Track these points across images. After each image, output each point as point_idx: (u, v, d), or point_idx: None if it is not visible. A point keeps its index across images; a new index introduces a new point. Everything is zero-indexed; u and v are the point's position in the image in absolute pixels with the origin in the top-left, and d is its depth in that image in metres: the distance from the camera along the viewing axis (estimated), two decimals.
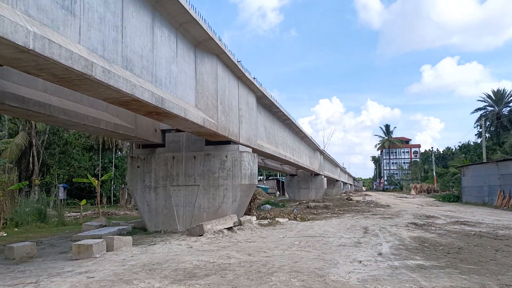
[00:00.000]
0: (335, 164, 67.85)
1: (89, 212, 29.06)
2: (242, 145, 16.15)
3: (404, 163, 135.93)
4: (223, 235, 13.05)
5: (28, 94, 9.65)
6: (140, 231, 15.91)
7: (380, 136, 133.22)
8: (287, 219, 17.79)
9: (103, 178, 27.45)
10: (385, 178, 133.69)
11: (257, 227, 15.07)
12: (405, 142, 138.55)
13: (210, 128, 13.12)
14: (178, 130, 15.98)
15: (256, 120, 19.24)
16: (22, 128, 39.70)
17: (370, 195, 63.39)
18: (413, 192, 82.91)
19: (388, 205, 33.53)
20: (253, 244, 11.55)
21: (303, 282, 6.77)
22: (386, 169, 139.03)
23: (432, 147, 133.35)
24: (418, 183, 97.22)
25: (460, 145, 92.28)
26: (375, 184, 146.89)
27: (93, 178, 27.02)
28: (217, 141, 15.51)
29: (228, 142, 15.56)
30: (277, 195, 67.06)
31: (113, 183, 47.46)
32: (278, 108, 22.76)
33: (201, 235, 13.04)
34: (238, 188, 15.29)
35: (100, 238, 13.94)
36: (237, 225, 14.35)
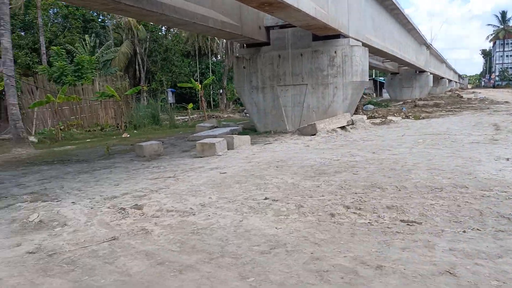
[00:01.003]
0: (441, 60, 62.00)
1: (195, 115, 30.51)
2: (352, 38, 14.87)
3: None
4: (337, 134, 12.67)
5: None
6: (249, 131, 16.17)
7: (495, 26, 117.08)
8: (399, 118, 16.75)
9: (205, 82, 28.09)
10: (497, 74, 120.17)
11: (370, 126, 14.39)
12: None
13: (321, 19, 12.06)
14: (282, 27, 15.12)
15: (364, 10, 17.44)
16: (125, 37, 41.53)
17: (479, 92, 57.68)
18: None
19: (507, 102, 30.14)
20: (371, 142, 11.00)
21: (449, 179, 6.15)
22: (499, 63, 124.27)
23: None
24: None
25: None
26: (484, 81, 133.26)
27: (196, 82, 27.84)
28: (325, 36, 14.44)
29: (337, 36, 14.40)
30: (373, 96, 64.26)
31: (212, 88, 48.93)
32: None
33: (314, 135, 12.78)
34: (349, 86, 14.42)
35: (216, 137, 14.48)
36: (350, 124, 13.79)
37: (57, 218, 5.19)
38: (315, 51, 14.69)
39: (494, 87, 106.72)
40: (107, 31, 42.26)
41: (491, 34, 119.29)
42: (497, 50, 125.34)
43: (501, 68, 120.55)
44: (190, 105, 26.55)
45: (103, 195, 6.36)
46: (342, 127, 13.30)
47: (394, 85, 43.75)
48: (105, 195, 6.38)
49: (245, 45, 15.89)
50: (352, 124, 13.76)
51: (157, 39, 42.70)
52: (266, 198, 5.57)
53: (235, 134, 15.59)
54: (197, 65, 48.27)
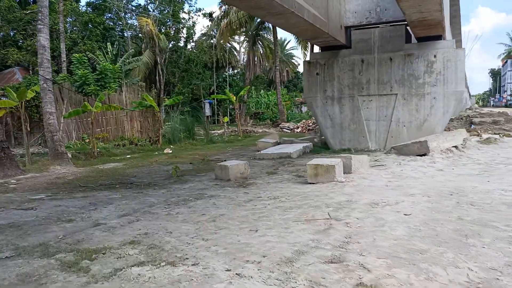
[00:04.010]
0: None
1: (225, 130, 28.05)
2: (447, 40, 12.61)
3: None
4: (454, 155, 10.24)
5: None
6: (320, 149, 13.77)
7: (506, 45, 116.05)
8: (496, 136, 14.36)
9: (241, 93, 25.76)
10: (509, 93, 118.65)
11: (480, 145, 11.97)
12: None
13: (435, 16, 9.78)
14: (367, 26, 12.88)
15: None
16: (144, 46, 39.46)
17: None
18: None
19: None
20: None
21: None
22: (510, 82, 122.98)
23: None
24: None
25: None
26: (493, 100, 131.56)
27: (230, 94, 25.57)
28: (421, 37, 12.17)
29: (438, 37, 12.13)
30: None
31: (228, 102, 46.75)
32: None
33: (424, 155, 10.35)
34: (452, 96, 12.07)
35: (290, 156, 12.08)
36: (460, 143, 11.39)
37: None
38: (409, 55, 12.39)
39: (506, 106, 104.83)
40: (125, 40, 40.24)
41: (503, 53, 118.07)
42: (509, 69, 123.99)
43: None
44: (226, 119, 24.26)
45: (254, 250, 3.94)
46: (455, 146, 10.88)
47: None
48: (257, 249, 3.96)
49: (320, 48, 13.60)
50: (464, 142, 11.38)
51: (178, 49, 40.63)
52: None
53: (307, 152, 13.22)
54: (214, 78, 46.19)
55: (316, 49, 14.37)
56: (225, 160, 12.43)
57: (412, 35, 13.15)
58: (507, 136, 14.71)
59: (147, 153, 15.53)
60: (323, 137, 15.15)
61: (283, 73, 55.87)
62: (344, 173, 7.99)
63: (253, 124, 36.95)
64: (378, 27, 12.87)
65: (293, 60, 64.17)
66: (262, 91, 48.49)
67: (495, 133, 15.59)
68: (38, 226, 5.30)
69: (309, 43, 34.46)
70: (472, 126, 20.20)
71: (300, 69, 70.55)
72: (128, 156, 14.73)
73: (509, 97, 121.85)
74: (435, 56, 12.09)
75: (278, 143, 14.60)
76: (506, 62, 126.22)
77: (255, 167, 10.54)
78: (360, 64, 12.97)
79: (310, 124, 25.98)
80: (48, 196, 7.33)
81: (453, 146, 10.76)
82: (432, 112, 12.23)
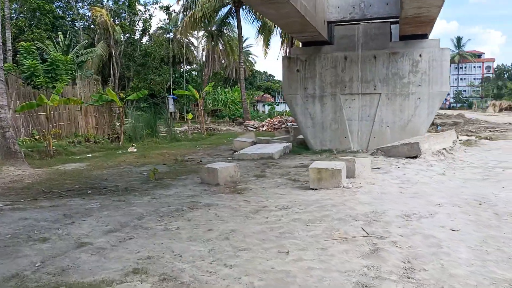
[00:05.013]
0: None
1: (185, 127, 26.75)
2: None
3: (474, 79, 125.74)
4: (445, 157, 9.90)
5: None
6: (300, 149, 13.11)
7: (451, 50, 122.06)
8: (473, 138, 14.34)
9: (206, 89, 24.59)
10: (452, 96, 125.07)
11: (464, 147, 11.77)
12: (478, 56, 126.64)
13: (432, 12, 9.39)
14: (350, 22, 12.36)
15: None
16: (98, 38, 37.17)
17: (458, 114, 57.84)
18: (490, 110, 76.16)
19: (510, 123, 29.09)
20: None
21: None
22: (454, 86, 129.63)
23: None
24: (492, 100, 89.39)
25: None
26: None
27: (194, 90, 24.37)
28: (407, 35, 11.82)
29: (423, 35, 11.82)
30: None
31: (185, 98, 45.32)
32: None
33: (415, 157, 9.93)
34: (437, 97, 11.82)
35: (271, 157, 11.29)
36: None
37: None
38: (394, 53, 12.00)
39: (449, 108, 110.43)
40: (77, 31, 37.67)
41: None
42: (452, 73, 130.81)
43: (455, 90, 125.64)
44: (190, 115, 23.06)
45: (301, 283, 3.13)
46: (444, 149, 10.57)
47: None
48: (304, 281, 3.15)
49: (301, 44, 12.92)
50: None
51: (134, 42, 38.66)
52: None
53: (287, 152, 12.52)
54: (171, 73, 44.50)
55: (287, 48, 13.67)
56: (201, 161, 11.47)
57: (393, 33, 12.83)
58: (482, 139, 14.77)
59: (110, 152, 14.15)
60: (298, 137, 14.52)
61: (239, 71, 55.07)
62: (347, 177, 7.32)
63: (211, 121, 35.78)
64: (360, 23, 12.37)
65: (250, 58, 63.47)
66: (219, 88, 47.35)
67: (467, 135, 15.68)
68: (4, 249, 4.15)
69: (270, 41, 33.94)
70: (439, 128, 20.45)
71: (257, 67, 70.14)
72: (88, 155, 13.30)
73: (452, 100, 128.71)
74: (420, 56, 11.78)
75: (255, 143, 13.76)
76: (450, 66, 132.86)
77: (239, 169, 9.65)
78: (343, 61, 12.43)
79: (276, 122, 25.36)
80: (7, 206, 6.05)
81: (442, 148, 10.45)
82: (416, 112, 11.92)
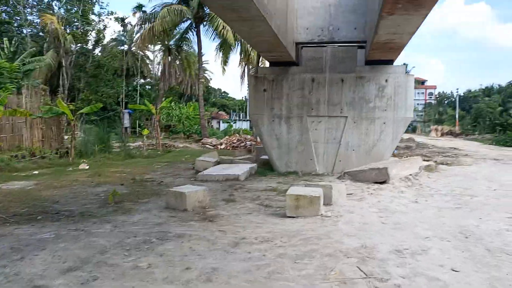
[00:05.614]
0: None
1: (139, 143, 25.64)
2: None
3: (418, 104, 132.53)
4: (412, 183, 9.90)
5: None
6: (264, 170, 12.71)
7: None
8: (432, 163, 14.62)
9: (163, 104, 23.79)
10: None
11: (426, 172, 11.89)
12: (421, 82, 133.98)
13: (403, 39, 9.46)
14: (319, 44, 12.30)
15: None
16: (47, 46, 35.28)
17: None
18: (433, 134, 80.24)
19: (455, 148, 30.45)
20: (482, 197, 8.43)
21: None
22: None
23: (457, 89, 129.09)
24: (434, 125, 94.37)
25: (484, 88, 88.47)
26: None
27: (151, 105, 23.51)
28: (374, 60, 11.91)
29: (389, 61, 11.97)
30: None
31: (139, 112, 44.00)
32: None
33: (383, 182, 9.85)
34: (401, 122, 11.93)
35: (237, 179, 10.80)
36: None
37: None
38: (360, 77, 12.03)
39: None
40: (24, 38, 35.59)
41: None
42: None
43: None
44: (146, 131, 22.12)
45: None
46: (410, 174, 10.60)
47: None
48: None
49: (268, 63, 12.68)
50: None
51: (87, 52, 37.07)
52: None
53: (252, 174, 12.10)
54: (124, 86, 43.08)
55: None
56: (162, 182, 10.77)
57: (358, 59, 12.89)
58: (438, 164, 15.11)
59: (59, 169, 13.06)
60: (262, 157, 14.16)
61: (194, 87, 54.31)
62: (324, 204, 6.99)
63: (165, 136, 34.70)
64: (328, 46, 12.35)
65: (205, 75, 62.98)
66: (173, 103, 46.46)
67: (425, 160, 16.01)
68: None
69: (228, 58, 33.71)
70: (395, 151, 20.86)
71: (212, 84, 69.71)
72: (35, 172, 12.17)
73: None
74: (386, 81, 11.89)
75: (218, 163, 13.22)
76: None
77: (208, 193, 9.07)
78: (311, 83, 12.30)
79: (235, 141, 24.93)
80: None
81: (409, 174, 10.48)
82: (381, 137, 11.95)
